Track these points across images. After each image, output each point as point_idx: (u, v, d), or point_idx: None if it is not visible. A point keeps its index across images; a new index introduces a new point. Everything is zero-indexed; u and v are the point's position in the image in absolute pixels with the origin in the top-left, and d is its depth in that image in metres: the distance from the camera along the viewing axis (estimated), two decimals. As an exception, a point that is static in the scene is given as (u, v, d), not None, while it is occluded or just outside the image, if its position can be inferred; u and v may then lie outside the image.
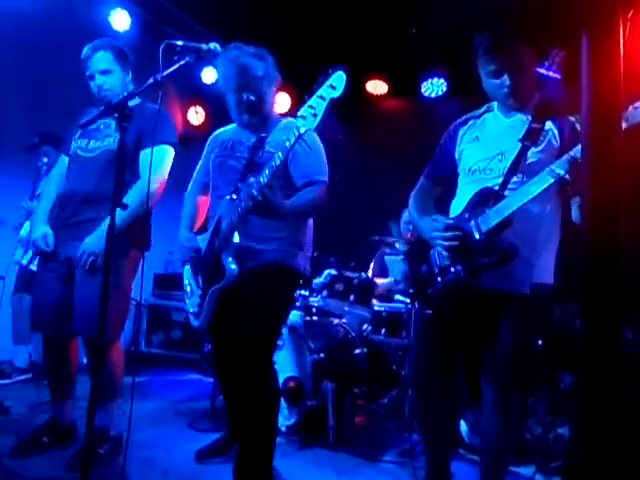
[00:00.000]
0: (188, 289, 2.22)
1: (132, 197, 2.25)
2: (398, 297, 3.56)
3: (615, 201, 0.52)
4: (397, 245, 3.49)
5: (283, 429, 2.82)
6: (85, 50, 2.44)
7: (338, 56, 4.96)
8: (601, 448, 0.49)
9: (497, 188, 1.76)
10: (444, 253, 1.82)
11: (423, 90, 5.07)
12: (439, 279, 1.83)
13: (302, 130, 1.69)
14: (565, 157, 1.58)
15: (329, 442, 2.74)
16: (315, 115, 1.69)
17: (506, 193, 1.74)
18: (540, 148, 1.78)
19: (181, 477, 2.26)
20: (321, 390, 2.89)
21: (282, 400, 2.79)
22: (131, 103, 2.41)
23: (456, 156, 2.00)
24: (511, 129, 1.85)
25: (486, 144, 1.89)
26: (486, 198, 1.76)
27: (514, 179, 1.76)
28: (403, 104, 5.26)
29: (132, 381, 1.68)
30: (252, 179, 1.79)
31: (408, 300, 3.32)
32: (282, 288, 2.13)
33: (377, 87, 5.25)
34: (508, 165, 1.78)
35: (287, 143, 1.73)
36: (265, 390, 1.99)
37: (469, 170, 1.90)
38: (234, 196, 2.03)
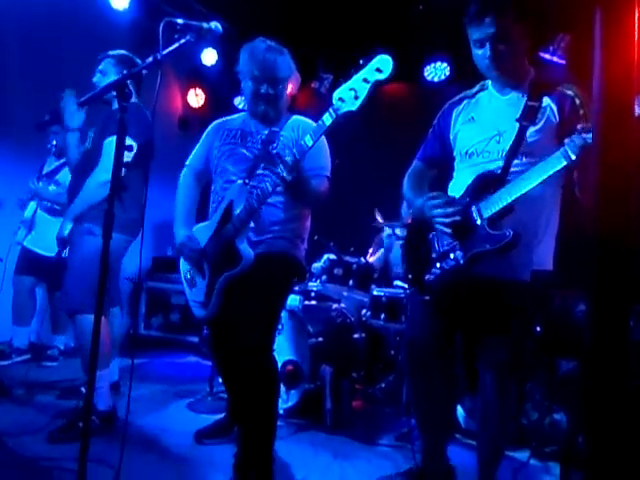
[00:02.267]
0: (188, 275, 2.21)
1: (85, 185, 2.46)
2: (397, 283, 3.56)
3: (626, 186, 0.51)
4: (397, 231, 3.48)
5: (281, 412, 2.84)
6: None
7: (339, 39, 4.93)
8: (606, 435, 0.49)
9: (499, 172, 1.69)
10: (446, 230, 1.74)
11: (426, 74, 5.01)
12: (438, 265, 1.77)
13: (341, 111, 1.69)
14: (579, 140, 1.48)
15: (326, 425, 2.77)
16: (357, 97, 1.67)
17: (509, 178, 1.67)
18: (538, 127, 1.70)
19: (179, 458, 2.28)
20: (319, 374, 2.90)
21: (280, 383, 2.81)
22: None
23: (451, 137, 1.93)
24: (507, 107, 1.78)
25: (482, 125, 1.82)
26: (487, 182, 1.69)
27: (515, 162, 1.69)
28: (406, 88, 5.21)
29: (131, 363, 1.68)
30: (287, 151, 1.79)
31: (407, 285, 3.32)
32: (286, 277, 2.15)
33: (379, 71, 5.19)
34: (507, 147, 1.71)
35: (321, 122, 1.74)
36: (266, 374, 2.00)
37: (466, 153, 1.83)
38: (247, 180, 2.03)
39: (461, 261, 1.69)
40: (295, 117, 2.22)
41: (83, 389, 2.65)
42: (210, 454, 2.34)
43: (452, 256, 1.73)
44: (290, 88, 2.21)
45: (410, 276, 1.95)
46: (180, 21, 1.55)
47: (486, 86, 1.89)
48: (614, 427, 0.50)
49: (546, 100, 1.72)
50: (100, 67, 2.72)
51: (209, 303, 2.06)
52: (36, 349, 3.83)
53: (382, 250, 3.81)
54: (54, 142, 3.67)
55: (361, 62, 1.69)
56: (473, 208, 1.69)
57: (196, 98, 5.86)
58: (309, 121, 2.16)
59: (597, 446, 0.50)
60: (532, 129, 1.70)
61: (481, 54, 1.72)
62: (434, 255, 1.80)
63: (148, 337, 4.86)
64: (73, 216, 2.49)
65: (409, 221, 3.08)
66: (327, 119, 1.73)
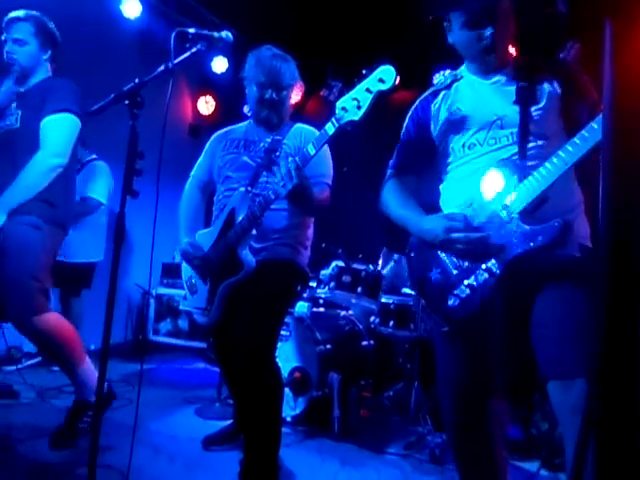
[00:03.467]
0: (190, 282, 2.22)
1: (27, 172, 2.16)
2: (406, 290, 3.55)
3: (637, 207, 0.50)
4: None
5: (288, 419, 2.84)
6: (10, 14, 2.38)
7: (348, 47, 4.96)
8: (616, 449, 0.48)
9: (516, 159, 1.46)
10: (466, 260, 1.46)
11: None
12: (465, 283, 1.45)
13: (343, 121, 1.69)
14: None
15: (334, 433, 2.75)
16: (359, 107, 1.67)
17: (529, 163, 1.43)
18: (542, 104, 1.49)
19: (187, 464, 2.28)
20: (327, 381, 2.89)
21: (288, 390, 2.81)
22: (37, 79, 2.39)
23: (435, 135, 1.68)
24: (497, 91, 1.57)
25: (475, 113, 1.58)
26: (507, 172, 1.44)
27: (530, 145, 1.47)
28: (414, 96, 5.21)
29: (140, 368, 1.68)
30: (290, 159, 1.80)
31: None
32: (288, 284, 2.16)
33: (388, 79, 5.21)
34: (515, 131, 1.49)
35: (323, 132, 1.76)
36: (269, 381, 2.00)
37: (463, 146, 1.59)
38: (249, 188, 2.05)
39: (497, 271, 1.40)
40: (298, 125, 2.26)
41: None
42: (218, 460, 2.34)
43: (484, 267, 1.42)
44: (293, 96, 2.26)
45: (428, 306, 1.59)
46: (192, 31, 1.58)
47: (459, 75, 1.68)
48: (624, 440, 0.49)
49: (542, 77, 1.52)
50: (14, 35, 2.34)
51: (210, 310, 2.07)
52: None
53: (392, 263, 3.78)
54: None
55: (364, 72, 1.67)
56: (498, 204, 1.44)
57: (206, 105, 5.91)
58: (312, 129, 2.19)
59: (607, 460, 0.50)
60: (535, 107, 1.49)
61: (476, 36, 1.51)
62: (455, 272, 1.49)
63: (156, 343, 4.88)
64: (11, 207, 2.14)
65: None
66: (330, 128, 1.74)
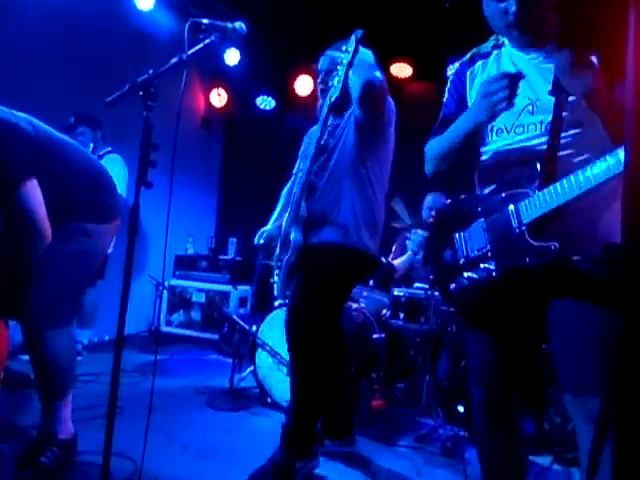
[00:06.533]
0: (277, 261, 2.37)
1: None
2: (418, 284, 3.54)
3: None
4: (419, 231, 3.40)
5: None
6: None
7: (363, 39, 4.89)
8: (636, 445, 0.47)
9: (545, 152, 1.33)
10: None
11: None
12: (465, 275, 1.44)
13: (329, 101, 2.03)
14: None
15: (345, 425, 2.76)
16: (339, 82, 1.94)
17: (562, 153, 1.32)
18: None
19: (200, 452, 2.31)
20: (338, 373, 2.90)
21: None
22: None
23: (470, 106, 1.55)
24: (534, 69, 1.42)
25: None
26: (529, 168, 1.33)
27: (562, 134, 1.33)
28: (428, 87, 5.17)
29: (154, 359, 1.70)
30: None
31: (427, 286, 3.30)
32: (337, 268, 2.17)
33: (401, 70, 5.17)
34: (547, 119, 1.36)
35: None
36: (316, 359, 2.13)
37: (492, 130, 1.48)
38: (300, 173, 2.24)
39: (493, 274, 1.37)
40: None
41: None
42: (231, 449, 2.36)
43: (482, 266, 1.40)
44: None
45: (433, 279, 1.63)
46: (205, 21, 1.57)
47: (501, 42, 1.54)
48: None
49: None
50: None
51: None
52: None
53: (409, 253, 3.76)
54: (91, 145, 3.71)
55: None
56: (511, 208, 1.35)
57: (218, 98, 5.91)
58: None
59: (627, 456, 0.49)
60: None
61: (502, 8, 1.36)
62: (461, 261, 1.47)
63: (169, 334, 4.94)
64: None
65: (431, 219, 2.89)
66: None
